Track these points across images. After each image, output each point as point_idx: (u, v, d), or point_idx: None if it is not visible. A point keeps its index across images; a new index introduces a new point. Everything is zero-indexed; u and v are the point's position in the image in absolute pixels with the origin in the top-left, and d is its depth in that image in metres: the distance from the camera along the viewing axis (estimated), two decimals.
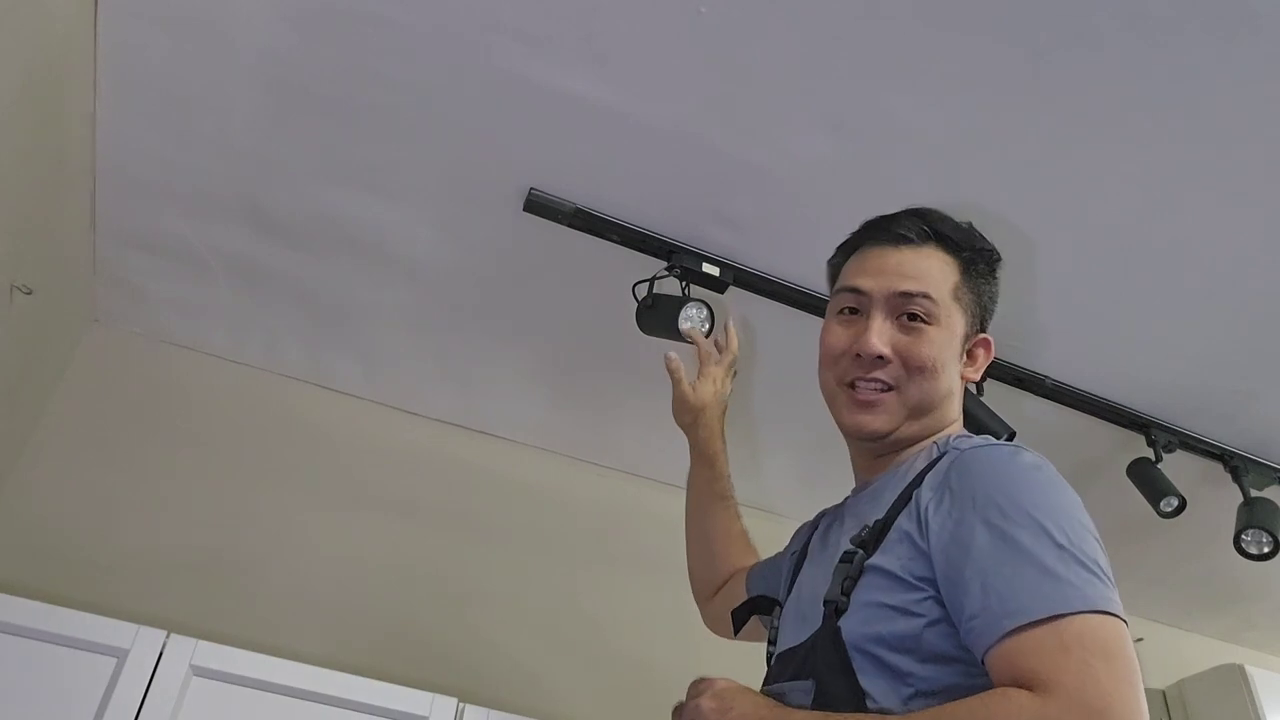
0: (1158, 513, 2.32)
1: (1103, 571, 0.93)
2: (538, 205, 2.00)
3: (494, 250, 2.17)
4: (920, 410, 1.15)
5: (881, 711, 0.93)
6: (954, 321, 1.16)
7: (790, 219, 2.02)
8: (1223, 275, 2.03)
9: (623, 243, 2.06)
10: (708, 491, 1.62)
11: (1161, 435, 2.39)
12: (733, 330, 1.69)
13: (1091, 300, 2.12)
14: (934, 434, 1.17)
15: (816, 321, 2.19)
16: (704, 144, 1.87)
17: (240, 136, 1.95)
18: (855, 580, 1.02)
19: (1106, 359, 2.28)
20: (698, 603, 1.59)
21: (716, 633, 1.55)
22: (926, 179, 1.89)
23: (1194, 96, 1.67)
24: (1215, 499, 2.52)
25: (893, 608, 0.97)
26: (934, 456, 1.09)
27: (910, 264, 1.18)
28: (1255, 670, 2.89)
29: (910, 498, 1.04)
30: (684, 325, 1.98)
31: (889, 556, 1.01)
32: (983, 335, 1.21)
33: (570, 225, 2.03)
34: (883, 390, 1.15)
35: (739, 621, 1.32)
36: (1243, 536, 2.33)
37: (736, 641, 1.47)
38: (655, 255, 2.08)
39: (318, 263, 2.24)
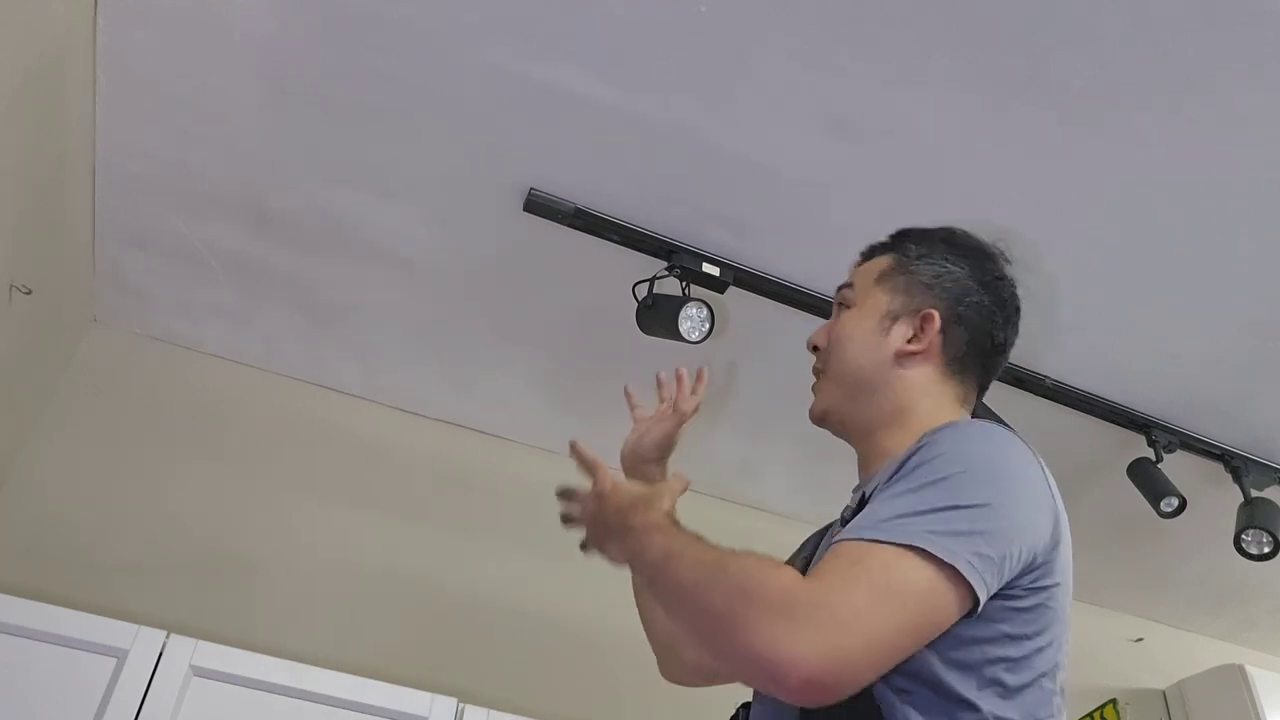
0: (1158, 513, 2.32)
1: (970, 532, 0.92)
2: (538, 205, 2.00)
3: (494, 250, 2.17)
4: (850, 385, 1.22)
5: None
6: (874, 302, 1.24)
7: (790, 219, 2.02)
8: (1224, 275, 2.03)
9: (623, 243, 2.06)
10: None
11: (1161, 435, 2.39)
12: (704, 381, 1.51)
13: (1092, 300, 2.12)
14: (900, 421, 1.17)
15: (816, 321, 2.19)
16: (705, 144, 1.87)
17: (240, 136, 1.95)
18: None
19: (1106, 359, 2.28)
20: (671, 667, 1.45)
21: (688, 683, 1.42)
22: (926, 178, 1.89)
23: (1196, 96, 1.67)
24: (1215, 499, 2.52)
25: None
26: (913, 450, 1.08)
27: (856, 269, 1.31)
28: (1255, 670, 2.89)
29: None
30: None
31: None
32: (927, 311, 1.21)
33: (570, 225, 2.03)
34: (818, 376, 1.27)
35: None
36: (1243, 536, 2.33)
37: None
38: (655, 255, 2.08)
39: (318, 263, 2.24)
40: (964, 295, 1.24)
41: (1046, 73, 1.67)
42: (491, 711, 2.00)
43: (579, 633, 2.51)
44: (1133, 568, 3.00)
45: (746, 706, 1.25)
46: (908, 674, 0.94)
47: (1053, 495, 1.05)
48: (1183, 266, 2.02)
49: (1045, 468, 1.07)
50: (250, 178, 2.04)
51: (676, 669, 1.45)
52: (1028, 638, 0.99)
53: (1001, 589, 0.96)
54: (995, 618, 0.96)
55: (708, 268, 2.07)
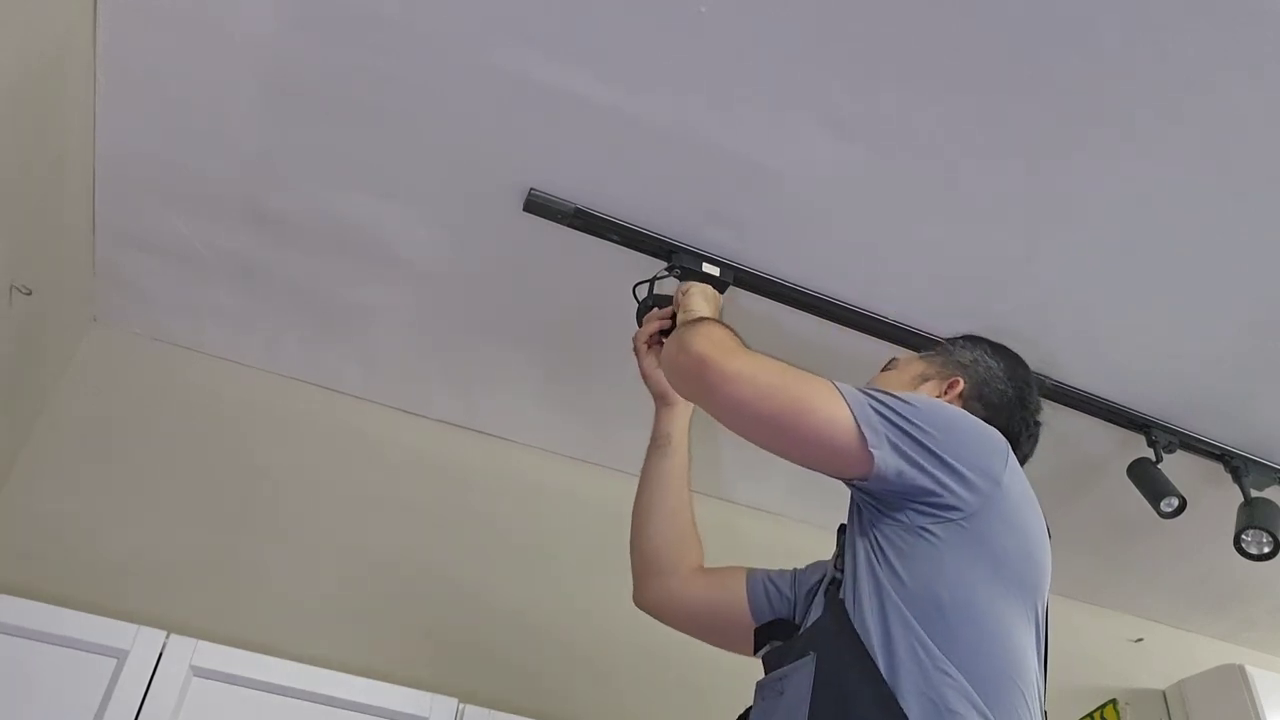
0: (1158, 513, 2.32)
1: (874, 393, 1.22)
2: (538, 205, 2.00)
3: (494, 250, 2.17)
4: None
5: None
6: (912, 368, 1.53)
7: (790, 219, 2.02)
8: (1223, 275, 2.03)
9: (623, 243, 2.06)
10: (683, 474, 1.72)
11: (1161, 435, 2.39)
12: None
13: (1091, 300, 2.12)
14: None
15: (817, 321, 2.20)
16: (704, 144, 1.87)
17: (240, 136, 1.95)
18: None
19: (1106, 359, 2.28)
20: (644, 593, 1.65)
21: (656, 613, 1.63)
22: (926, 179, 1.89)
23: (1195, 95, 1.67)
24: (1215, 499, 2.52)
25: None
26: None
27: None
28: (1255, 670, 2.89)
29: None
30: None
31: None
32: (954, 378, 1.46)
33: (570, 225, 2.03)
34: None
35: (761, 640, 1.44)
36: (1243, 536, 2.33)
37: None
38: (655, 255, 2.08)
39: (318, 263, 2.24)
40: (991, 381, 1.46)
41: (1046, 73, 1.67)
42: (492, 712, 2.00)
43: (580, 633, 2.51)
44: (1133, 568, 2.99)
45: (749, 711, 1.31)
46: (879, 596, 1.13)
47: (1017, 467, 1.25)
48: (1182, 266, 2.02)
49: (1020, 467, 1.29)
50: (250, 178, 2.04)
51: (649, 595, 1.64)
52: (958, 549, 1.13)
53: (933, 494, 1.13)
54: (933, 530, 1.13)
55: (708, 268, 2.07)
